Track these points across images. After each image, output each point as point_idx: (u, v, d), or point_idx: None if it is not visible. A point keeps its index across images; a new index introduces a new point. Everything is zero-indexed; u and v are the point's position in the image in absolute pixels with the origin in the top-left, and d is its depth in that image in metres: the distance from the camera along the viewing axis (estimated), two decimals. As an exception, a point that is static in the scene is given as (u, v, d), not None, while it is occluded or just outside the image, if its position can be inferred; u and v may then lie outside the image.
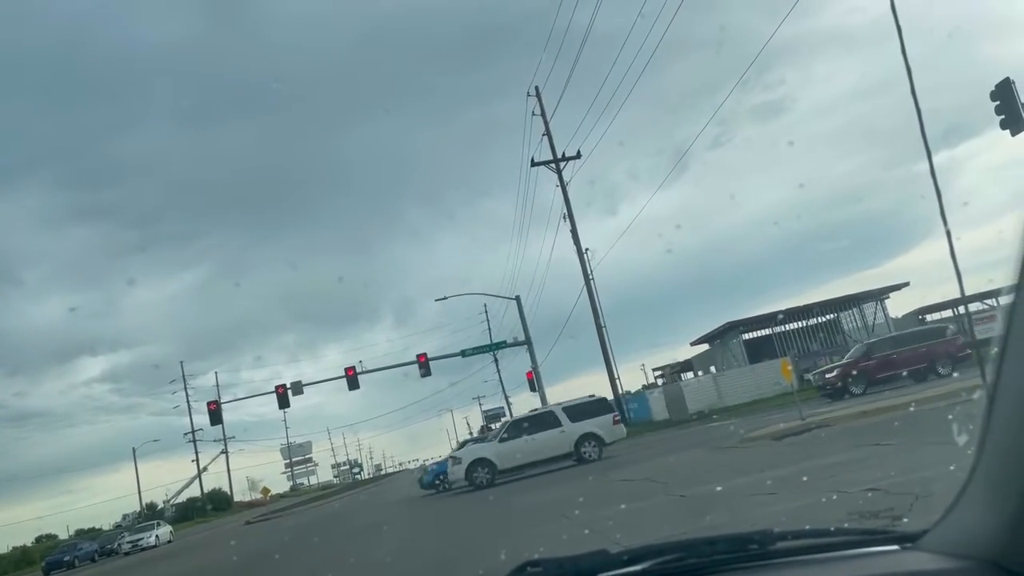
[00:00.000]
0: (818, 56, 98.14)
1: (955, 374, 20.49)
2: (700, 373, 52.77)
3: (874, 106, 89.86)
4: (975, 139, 76.42)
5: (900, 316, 48.47)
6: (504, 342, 47.80)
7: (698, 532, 6.50)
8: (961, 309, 46.12)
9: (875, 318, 45.95)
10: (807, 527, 1.45)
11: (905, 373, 22.71)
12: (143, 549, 40.26)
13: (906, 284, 45.99)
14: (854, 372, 23.52)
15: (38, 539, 74.75)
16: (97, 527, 74.59)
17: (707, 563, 1.37)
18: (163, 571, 20.01)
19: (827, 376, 24.85)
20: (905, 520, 5.80)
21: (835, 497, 7.41)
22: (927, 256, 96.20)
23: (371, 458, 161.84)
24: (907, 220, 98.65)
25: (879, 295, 45.85)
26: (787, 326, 45.99)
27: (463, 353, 46.34)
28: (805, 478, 9.42)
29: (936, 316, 48.73)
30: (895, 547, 1.33)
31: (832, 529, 1.46)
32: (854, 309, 46.26)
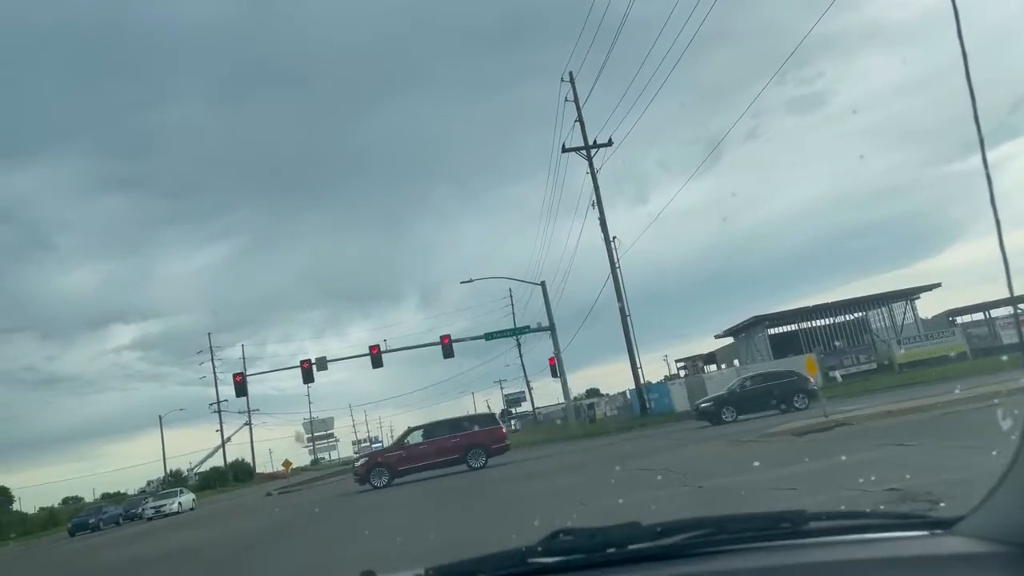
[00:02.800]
0: (858, 51, 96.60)
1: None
2: (723, 366, 52.49)
3: (912, 104, 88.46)
4: (1018, 139, 74.86)
5: (930, 317, 47.82)
6: (528, 327, 47.82)
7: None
8: (993, 313, 45.42)
9: (904, 318, 45.36)
10: (842, 508, 1.45)
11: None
12: (166, 515, 41.01)
13: (937, 285, 45.36)
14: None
15: (64, 501, 76.62)
16: (122, 492, 76.22)
17: (739, 539, 1.38)
18: (184, 537, 20.38)
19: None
20: (942, 505, 5.73)
21: (856, 494, 7.36)
22: (958, 258, 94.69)
23: (391, 436, 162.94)
24: (939, 221, 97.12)
25: (909, 295, 45.24)
26: (813, 322, 45.55)
27: (487, 336, 46.46)
28: (825, 474, 9.37)
29: (967, 318, 48.02)
30: (930, 531, 1.33)
31: (867, 511, 1.46)
32: (883, 308, 45.69)
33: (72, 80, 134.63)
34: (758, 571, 1.27)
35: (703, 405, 27.75)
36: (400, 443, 25.16)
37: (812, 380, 24.41)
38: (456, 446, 23.89)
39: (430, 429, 24.85)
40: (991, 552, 1.18)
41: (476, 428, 24.86)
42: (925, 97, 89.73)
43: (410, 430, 25.40)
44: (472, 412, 47.02)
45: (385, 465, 23.80)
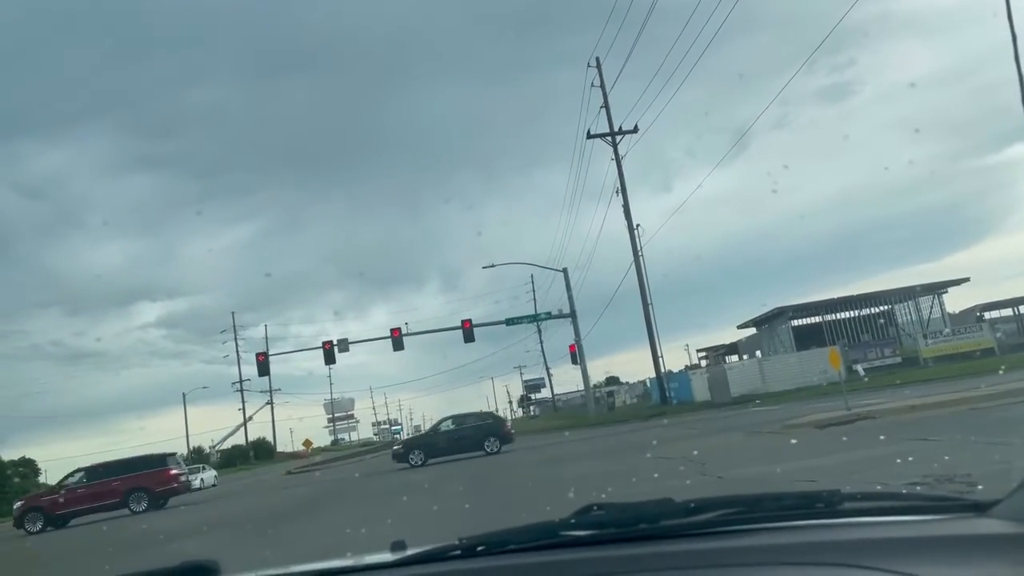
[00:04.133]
0: (891, 40, 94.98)
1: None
2: (745, 357, 52.19)
3: (945, 96, 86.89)
4: (1052, 134, 73.33)
5: (957, 312, 47.17)
6: (549, 313, 47.78)
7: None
8: (1023, 309, 44.72)
9: (931, 312, 44.76)
10: (877, 487, 1.45)
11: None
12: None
13: (966, 280, 44.68)
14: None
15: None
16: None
17: (773, 517, 1.39)
18: (206, 512, 20.72)
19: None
20: (979, 487, 5.67)
21: (878, 488, 7.31)
22: (988, 253, 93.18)
23: (411, 419, 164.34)
24: (970, 215, 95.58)
25: (937, 289, 44.59)
26: (838, 315, 45.10)
27: (508, 322, 46.50)
28: (847, 467, 9.31)
29: (996, 314, 47.33)
30: (965, 514, 1.32)
31: (903, 492, 1.46)
32: (909, 302, 45.12)
33: (103, 58, 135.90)
34: (792, 548, 1.27)
35: (395, 448, 30.12)
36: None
37: (508, 424, 28.85)
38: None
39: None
40: None
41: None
42: (959, 88, 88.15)
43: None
44: (492, 397, 47.91)
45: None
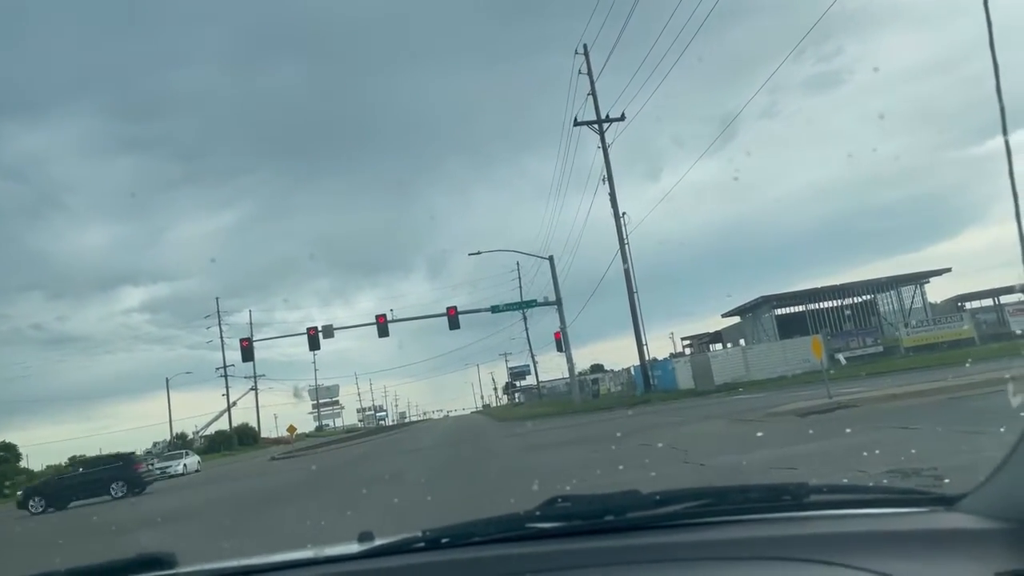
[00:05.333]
0: (880, 29, 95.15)
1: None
2: (729, 345, 52.48)
3: (932, 86, 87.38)
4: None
5: (939, 302, 47.61)
6: (535, 301, 47.83)
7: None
8: (1003, 299, 45.18)
9: (913, 302, 45.16)
10: (844, 482, 1.44)
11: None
12: (171, 476, 41.49)
13: (948, 270, 45.10)
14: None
15: (71, 459, 77.40)
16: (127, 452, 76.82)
17: (739, 510, 1.37)
18: (188, 497, 20.65)
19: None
20: (946, 482, 5.71)
21: (858, 474, 7.36)
22: (971, 244, 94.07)
23: (396, 405, 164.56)
24: (953, 205, 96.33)
25: (919, 279, 44.99)
26: (821, 304, 45.41)
27: (493, 309, 46.51)
28: (828, 455, 9.38)
29: (976, 304, 47.80)
30: (933, 508, 1.31)
31: (870, 486, 1.45)
32: (892, 291, 45.49)
33: (86, 37, 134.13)
34: (758, 542, 1.26)
35: (19, 493, 29.38)
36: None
37: (143, 465, 30.03)
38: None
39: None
40: (994, 528, 1.17)
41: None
42: (945, 79, 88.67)
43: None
44: (477, 384, 48.22)
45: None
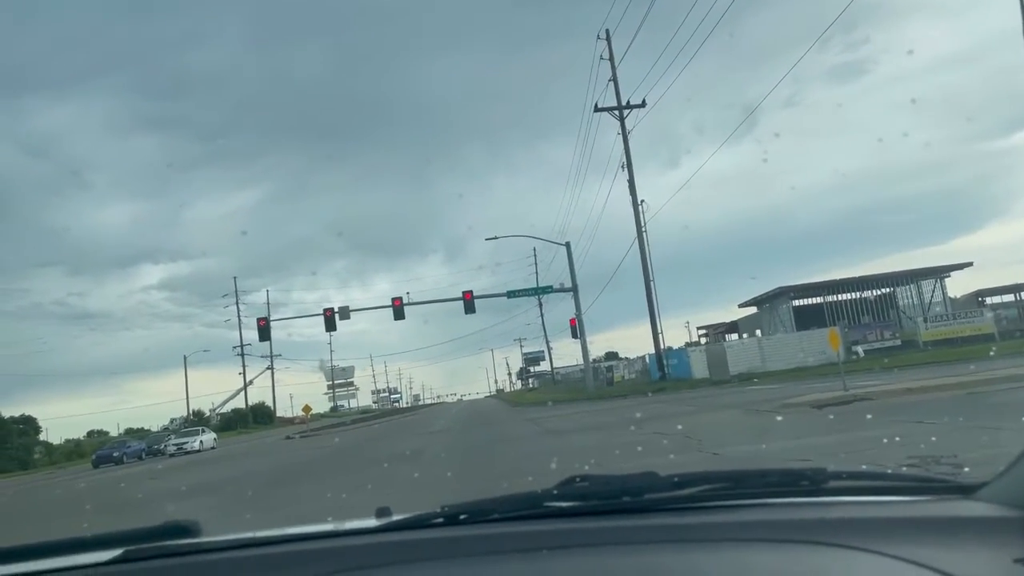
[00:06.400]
0: (907, 19, 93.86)
1: None
2: (745, 335, 52.28)
3: (959, 78, 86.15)
4: (1063, 120, 72.73)
5: (959, 296, 47.14)
6: (550, 287, 47.77)
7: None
8: (1024, 295, 44.68)
9: (932, 296, 44.74)
10: (863, 467, 1.44)
11: None
12: (187, 452, 41.99)
13: (969, 264, 44.60)
14: None
15: (89, 434, 78.54)
16: (146, 428, 77.93)
17: (757, 493, 1.38)
18: (203, 473, 20.90)
19: None
20: (966, 470, 5.68)
21: (863, 468, 7.33)
22: (993, 238, 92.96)
23: (410, 388, 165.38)
24: (977, 199, 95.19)
25: (940, 273, 44.54)
26: (839, 296, 45.09)
27: (509, 294, 46.52)
28: (842, 447, 9.35)
29: (996, 299, 47.30)
30: (951, 496, 1.32)
31: (888, 472, 1.45)
32: (912, 285, 45.07)
33: (111, 15, 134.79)
34: (776, 525, 1.26)
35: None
36: None
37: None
38: None
39: None
40: (1012, 517, 1.17)
41: None
42: (971, 71, 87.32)
43: None
44: (492, 368, 48.19)
45: None
